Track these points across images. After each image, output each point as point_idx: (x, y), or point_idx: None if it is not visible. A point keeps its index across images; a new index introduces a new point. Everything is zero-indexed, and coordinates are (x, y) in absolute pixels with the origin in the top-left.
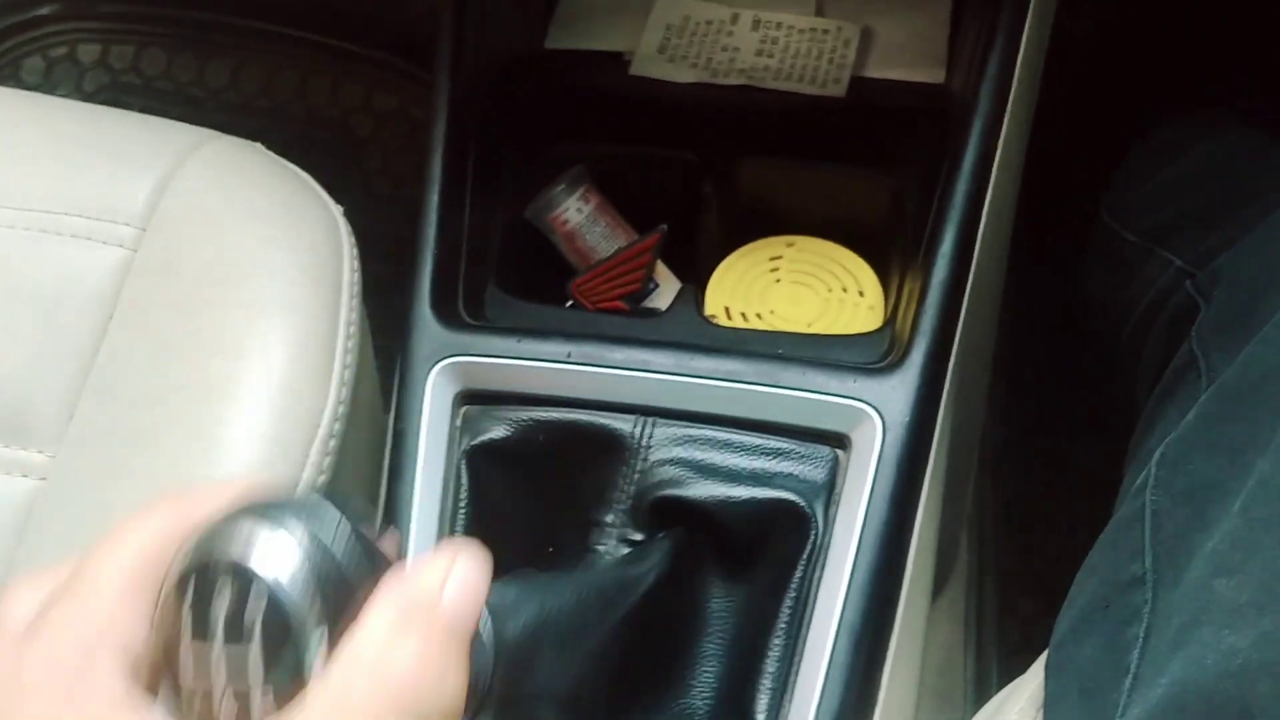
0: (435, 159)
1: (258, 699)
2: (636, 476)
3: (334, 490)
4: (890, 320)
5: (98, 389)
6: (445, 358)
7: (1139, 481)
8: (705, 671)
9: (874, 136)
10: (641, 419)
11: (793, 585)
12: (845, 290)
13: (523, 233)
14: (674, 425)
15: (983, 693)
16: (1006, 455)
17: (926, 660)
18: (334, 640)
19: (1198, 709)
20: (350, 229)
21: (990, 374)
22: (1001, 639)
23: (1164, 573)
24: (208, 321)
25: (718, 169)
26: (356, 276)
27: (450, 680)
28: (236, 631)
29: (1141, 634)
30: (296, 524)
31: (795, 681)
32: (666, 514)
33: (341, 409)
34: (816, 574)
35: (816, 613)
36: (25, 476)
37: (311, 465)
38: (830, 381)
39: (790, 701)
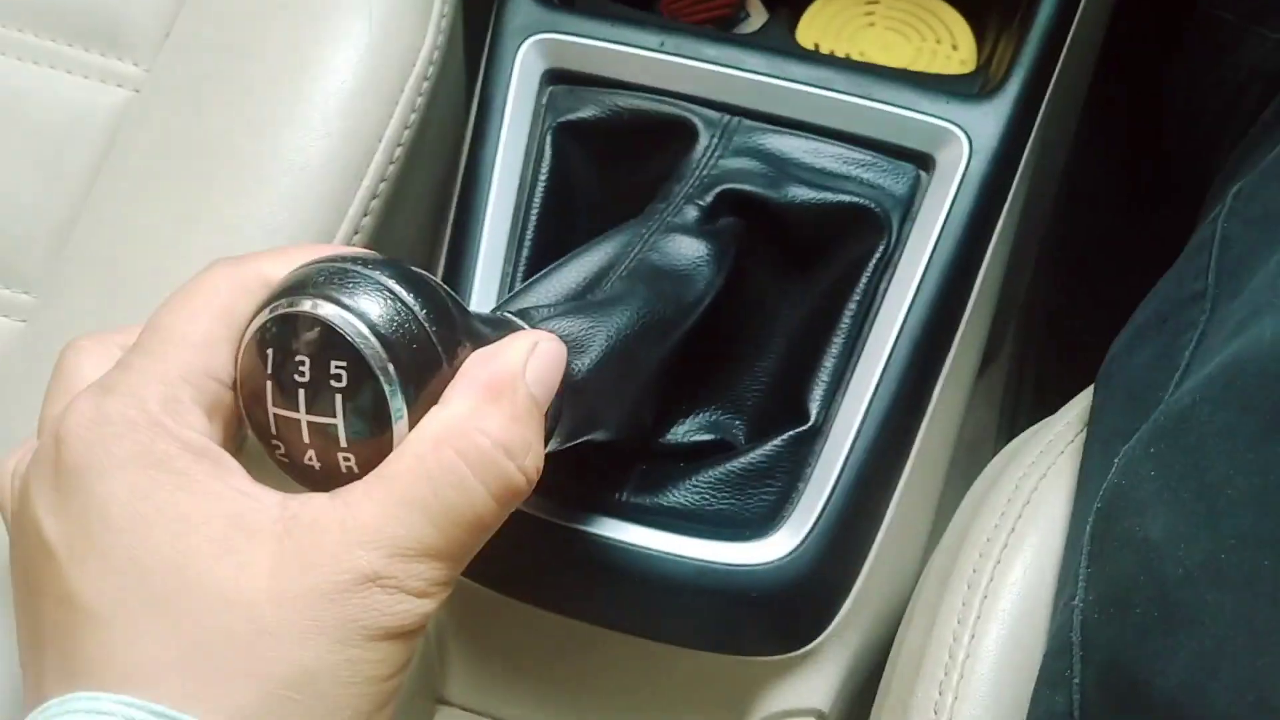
0: None
1: (340, 447)
2: (711, 166)
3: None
4: (983, 67)
5: (196, 5)
6: (536, 33)
7: (1213, 214)
8: (758, 364)
9: None
10: (728, 116)
11: (859, 288)
12: (939, 42)
13: None
14: (759, 127)
15: None
16: (1063, 257)
17: (960, 434)
18: (418, 402)
19: (1251, 374)
20: None
21: (1076, 127)
22: (1032, 425)
23: (1225, 286)
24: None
25: None
26: None
27: (533, 450)
28: (320, 379)
29: (1195, 339)
30: (382, 279)
31: (851, 379)
32: (735, 207)
33: (437, 54)
34: (884, 283)
35: (880, 318)
36: (120, 86)
37: (404, 102)
38: (923, 100)
39: (844, 396)
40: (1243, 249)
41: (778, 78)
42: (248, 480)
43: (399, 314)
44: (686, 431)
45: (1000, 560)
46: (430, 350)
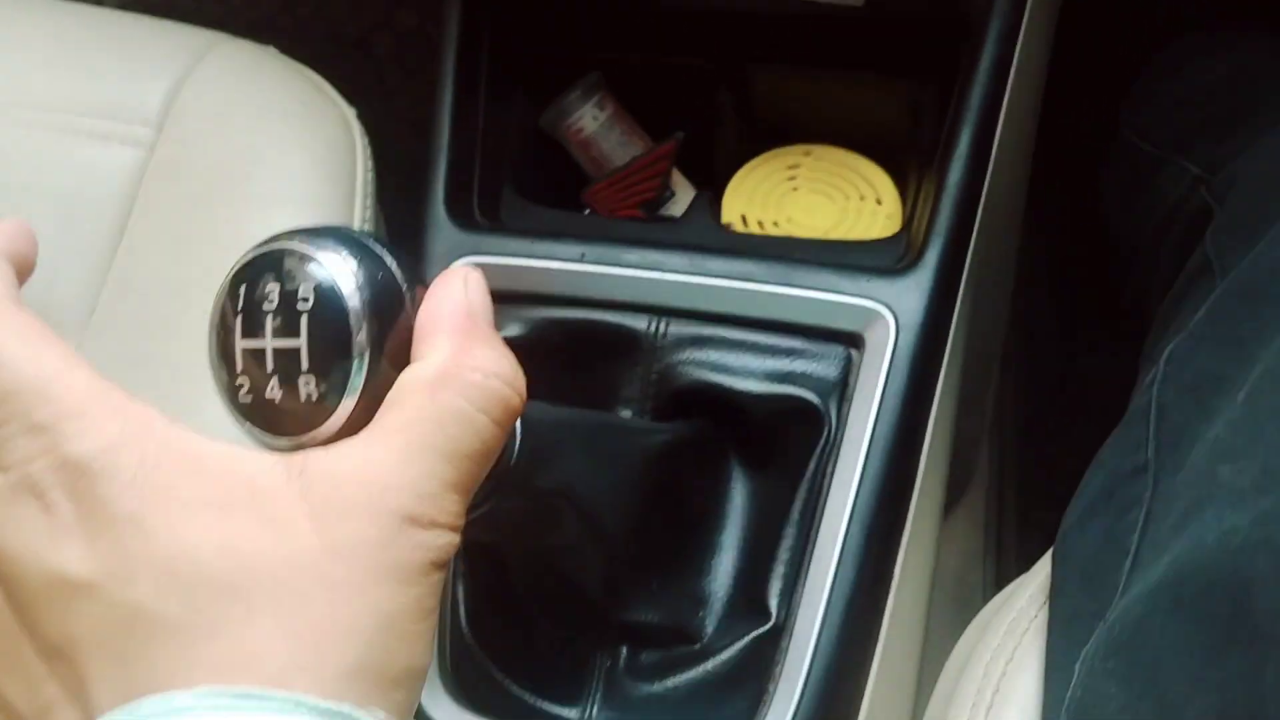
0: (447, 62)
1: (302, 370)
2: (654, 375)
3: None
4: (906, 227)
5: (118, 282)
6: (460, 258)
7: (1148, 379)
8: (721, 559)
9: (891, 45)
10: (656, 318)
11: (806, 478)
12: (863, 198)
13: (538, 140)
14: (688, 325)
15: None
16: (1028, 367)
17: (945, 570)
18: (378, 327)
19: (1196, 584)
20: (363, 129)
21: (1012, 282)
22: (1020, 548)
23: (1166, 460)
24: (223, 217)
25: (734, 77)
26: (370, 175)
27: (513, 372)
28: (288, 303)
29: (1141, 518)
30: (343, 229)
31: (808, 570)
32: (687, 406)
33: None
34: (830, 467)
35: (829, 505)
36: None
37: None
38: (843, 282)
39: (803, 590)
40: (1178, 419)
41: (700, 275)
42: (219, 444)
43: (365, 252)
44: (649, 615)
45: None
46: (391, 283)
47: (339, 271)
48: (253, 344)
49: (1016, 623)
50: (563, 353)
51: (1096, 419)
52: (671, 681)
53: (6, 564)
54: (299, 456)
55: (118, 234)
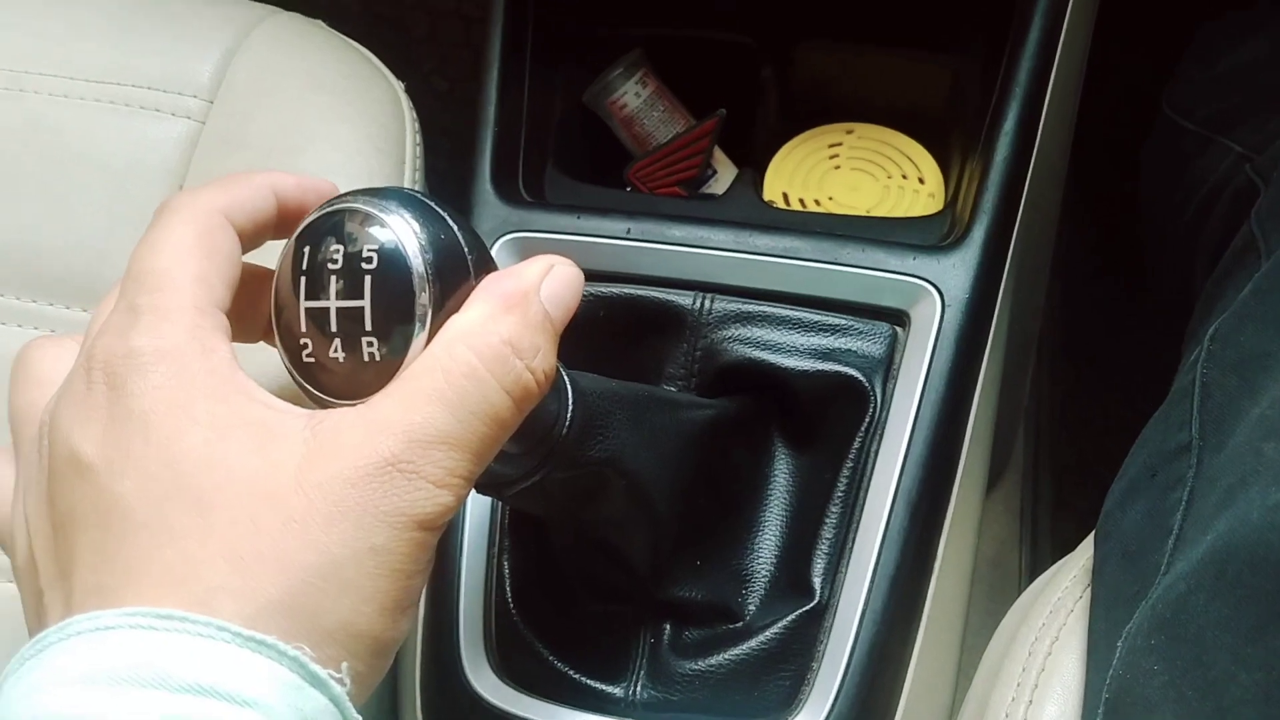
0: (494, 41)
1: (365, 331)
2: (698, 351)
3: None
4: (950, 205)
5: None
6: (507, 233)
7: (1192, 358)
8: (764, 537)
9: (936, 19)
10: (700, 295)
11: (850, 455)
12: (905, 177)
13: (581, 118)
14: (733, 301)
15: None
16: (1065, 352)
17: (981, 552)
18: (440, 290)
19: (1240, 560)
20: (412, 103)
21: (1051, 261)
22: (1055, 533)
23: (1210, 439)
24: None
25: (776, 54)
26: (419, 150)
27: (543, 353)
28: (352, 263)
29: (1185, 497)
30: (411, 201)
31: (852, 550)
32: (731, 382)
33: None
34: (874, 446)
35: (874, 483)
36: None
37: None
38: (890, 259)
39: (846, 568)
40: (1222, 397)
41: (745, 252)
42: (274, 399)
43: (430, 216)
44: (693, 593)
45: None
46: (456, 248)
47: (403, 233)
48: (316, 304)
49: (1061, 603)
50: (608, 328)
51: (1135, 402)
52: (715, 659)
53: (48, 429)
54: (323, 412)
55: None
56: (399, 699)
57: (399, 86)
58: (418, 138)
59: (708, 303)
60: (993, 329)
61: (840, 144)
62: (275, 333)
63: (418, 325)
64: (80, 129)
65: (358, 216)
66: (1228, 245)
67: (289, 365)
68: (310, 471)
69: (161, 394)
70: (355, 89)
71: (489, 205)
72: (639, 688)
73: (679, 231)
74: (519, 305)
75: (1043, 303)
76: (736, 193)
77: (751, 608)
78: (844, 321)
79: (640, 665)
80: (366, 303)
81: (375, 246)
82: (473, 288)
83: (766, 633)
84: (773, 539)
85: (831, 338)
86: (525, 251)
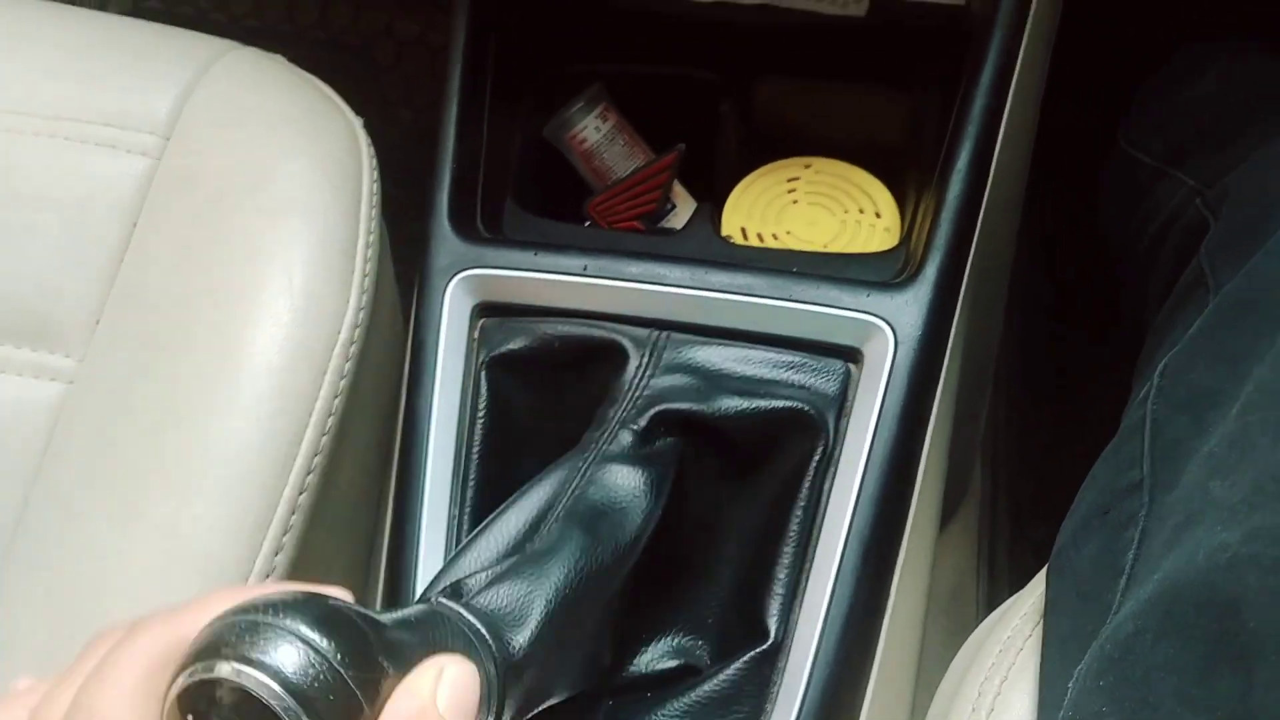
0: (454, 75)
1: None
2: (644, 386)
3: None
4: (905, 240)
5: (123, 294)
6: (463, 270)
7: (1142, 393)
8: (713, 584)
9: (893, 56)
10: (656, 332)
11: (802, 495)
12: (862, 211)
13: (540, 152)
14: (688, 339)
15: None
16: (1021, 382)
17: (939, 586)
18: None
19: (1188, 601)
20: (369, 139)
21: (1006, 296)
22: (1014, 564)
23: (1161, 477)
24: (231, 227)
25: (736, 88)
26: (376, 186)
27: None
28: None
29: (1137, 536)
30: (294, 627)
31: (805, 589)
32: (671, 427)
33: (362, 315)
34: (827, 484)
35: (827, 522)
36: (53, 380)
37: (333, 371)
38: (843, 296)
39: (800, 608)
40: (1173, 434)
41: (700, 289)
42: None
43: (313, 664)
44: (650, 660)
45: None
46: (348, 696)
47: (287, 707)
48: None
49: (1011, 641)
50: (565, 365)
51: (1091, 433)
52: (668, 706)
53: None
54: None
55: (124, 244)
56: None
57: (357, 122)
58: (375, 174)
59: (663, 340)
60: (945, 365)
61: (798, 178)
62: None
63: None
64: (33, 167)
65: (232, 691)
66: (1179, 278)
67: None
68: None
69: None
70: (312, 124)
71: (446, 241)
72: None
73: (635, 268)
74: None
75: (1000, 334)
76: (695, 227)
77: (709, 653)
78: (798, 358)
79: None
80: None
81: None
82: (370, 716)
83: (720, 676)
84: (727, 583)
85: (785, 373)
86: (482, 288)
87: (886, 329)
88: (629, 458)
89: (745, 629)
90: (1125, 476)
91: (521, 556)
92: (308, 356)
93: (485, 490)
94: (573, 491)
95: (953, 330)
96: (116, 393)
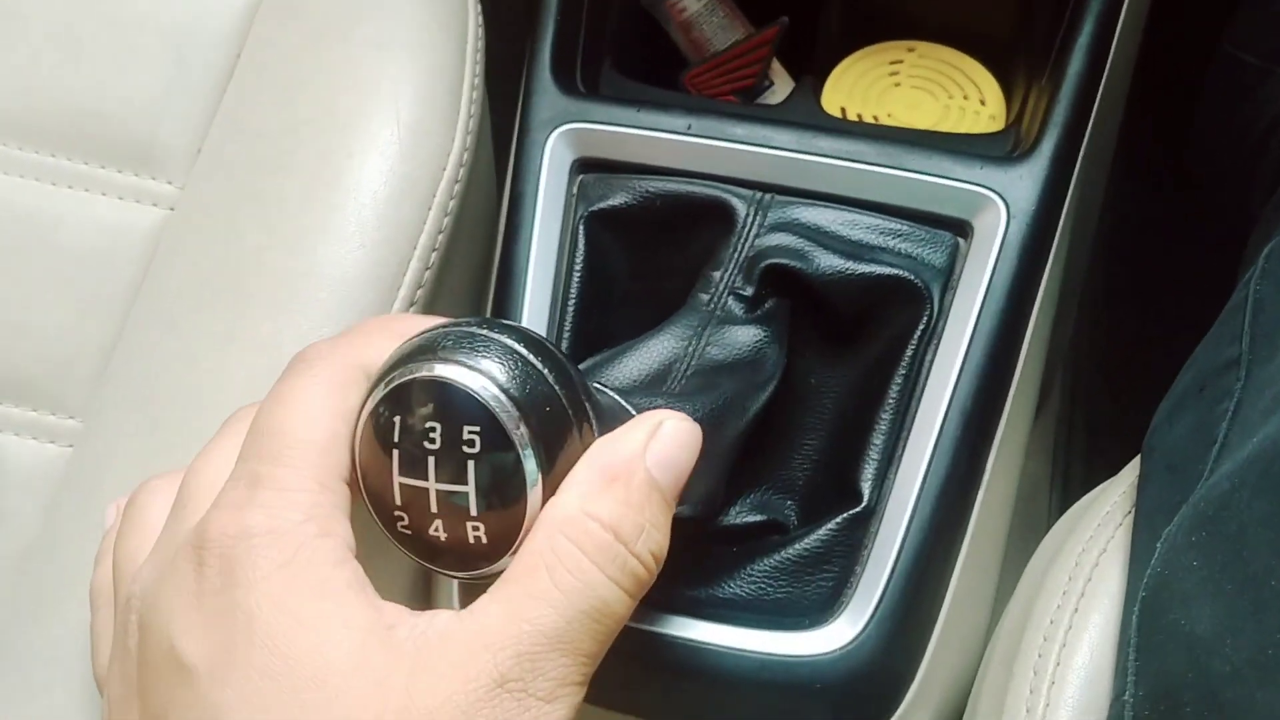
0: None
1: (470, 516)
2: (749, 245)
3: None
4: (1013, 125)
5: (227, 122)
6: (564, 124)
7: (1246, 276)
8: (807, 443)
9: None
10: (759, 194)
11: (902, 364)
12: (966, 98)
13: (638, 20)
14: (793, 202)
15: None
16: (1108, 299)
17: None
18: (551, 468)
19: None
20: None
21: (1106, 183)
22: (1088, 478)
23: (1259, 352)
24: (336, 58)
25: None
26: (480, 23)
27: (647, 534)
28: (451, 445)
29: (1231, 408)
30: (507, 341)
31: (902, 456)
32: (774, 284)
33: (467, 155)
34: (929, 356)
35: (927, 392)
36: (155, 205)
37: (437, 206)
38: (955, 167)
39: (895, 474)
40: (1276, 312)
41: (808, 153)
42: (380, 601)
43: (528, 376)
44: (739, 513)
45: (1065, 644)
46: (561, 413)
47: (505, 410)
48: (413, 482)
49: (1110, 516)
50: (665, 223)
51: (1177, 353)
52: (761, 561)
53: (141, 608)
54: (427, 615)
55: (227, 73)
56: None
57: None
58: (479, 16)
59: (766, 202)
60: (1054, 244)
61: (901, 61)
62: (362, 491)
63: (529, 500)
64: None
65: (447, 389)
66: None
67: (382, 527)
68: (418, 694)
69: (269, 587)
70: None
71: (547, 94)
72: (682, 588)
73: (741, 130)
74: (620, 480)
75: (1095, 227)
76: (795, 101)
77: (796, 514)
78: (906, 227)
79: (685, 567)
80: (470, 488)
81: (475, 429)
82: (578, 444)
83: (810, 536)
84: (821, 445)
85: (891, 240)
86: (582, 142)
87: (999, 202)
88: (745, 319)
89: (837, 492)
90: (1223, 354)
91: (664, 391)
92: (413, 189)
93: (579, 343)
94: (696, 353)
95: (1065, 208)
96: (220, 217)
